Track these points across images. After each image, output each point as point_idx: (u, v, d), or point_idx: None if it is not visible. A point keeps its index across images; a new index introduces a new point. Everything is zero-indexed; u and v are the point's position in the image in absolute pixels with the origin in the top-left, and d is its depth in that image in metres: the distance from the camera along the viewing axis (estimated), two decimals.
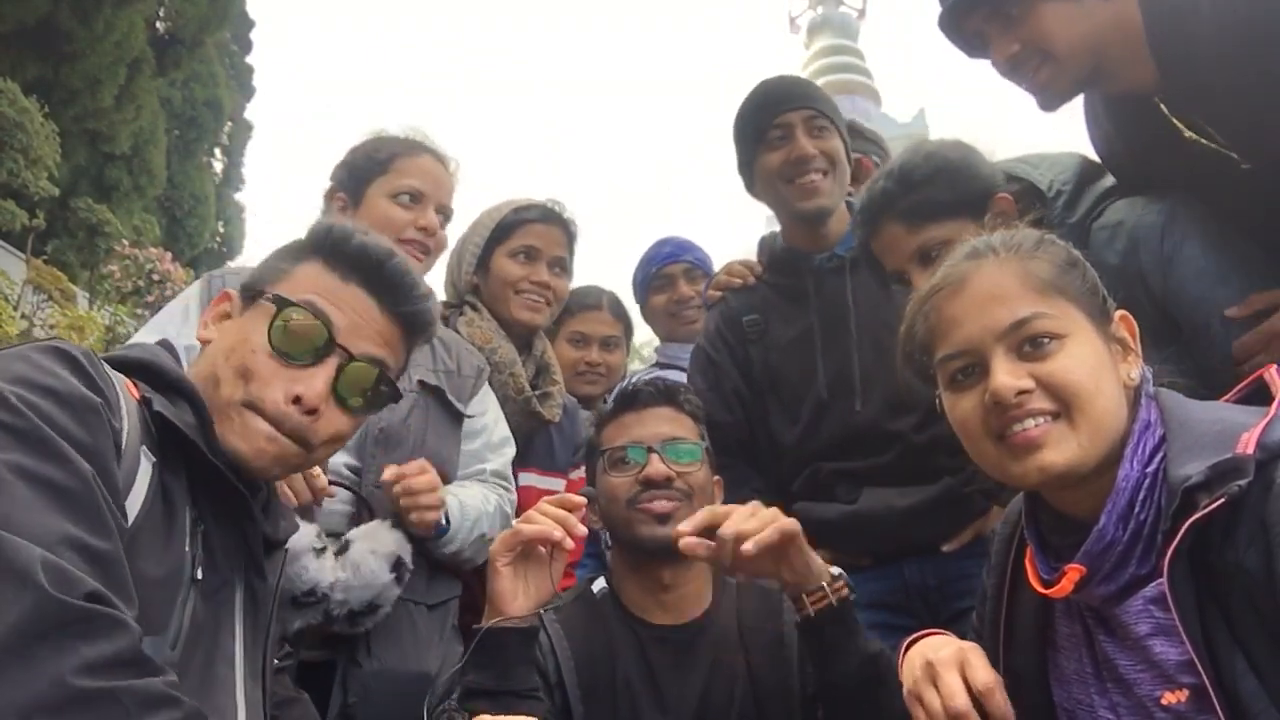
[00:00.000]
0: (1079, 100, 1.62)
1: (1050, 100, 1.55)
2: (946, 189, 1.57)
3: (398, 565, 1.54)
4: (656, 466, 1.50)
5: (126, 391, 0.95)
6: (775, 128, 1.93)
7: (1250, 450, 0.90)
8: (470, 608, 1.80)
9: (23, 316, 8.86)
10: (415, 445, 1.70)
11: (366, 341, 1.10)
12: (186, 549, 0.98)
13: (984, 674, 1.06)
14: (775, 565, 1.30)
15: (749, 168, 2.04)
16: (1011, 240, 1.12)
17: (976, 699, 1.05)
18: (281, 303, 1.07)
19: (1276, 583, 0.85)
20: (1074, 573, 1.00)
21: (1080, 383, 1.01)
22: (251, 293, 1.12)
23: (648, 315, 2.80)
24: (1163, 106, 1.43)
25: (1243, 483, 0.88)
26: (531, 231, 2.13)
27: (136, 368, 1.02)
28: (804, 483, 1.86)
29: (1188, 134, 1.41)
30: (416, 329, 1.18)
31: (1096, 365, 1.03)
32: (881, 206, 1.63)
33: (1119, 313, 1.11)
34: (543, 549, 1.31)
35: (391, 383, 1.15)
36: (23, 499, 0.76)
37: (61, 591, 0.72)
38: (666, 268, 2.65)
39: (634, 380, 1.98)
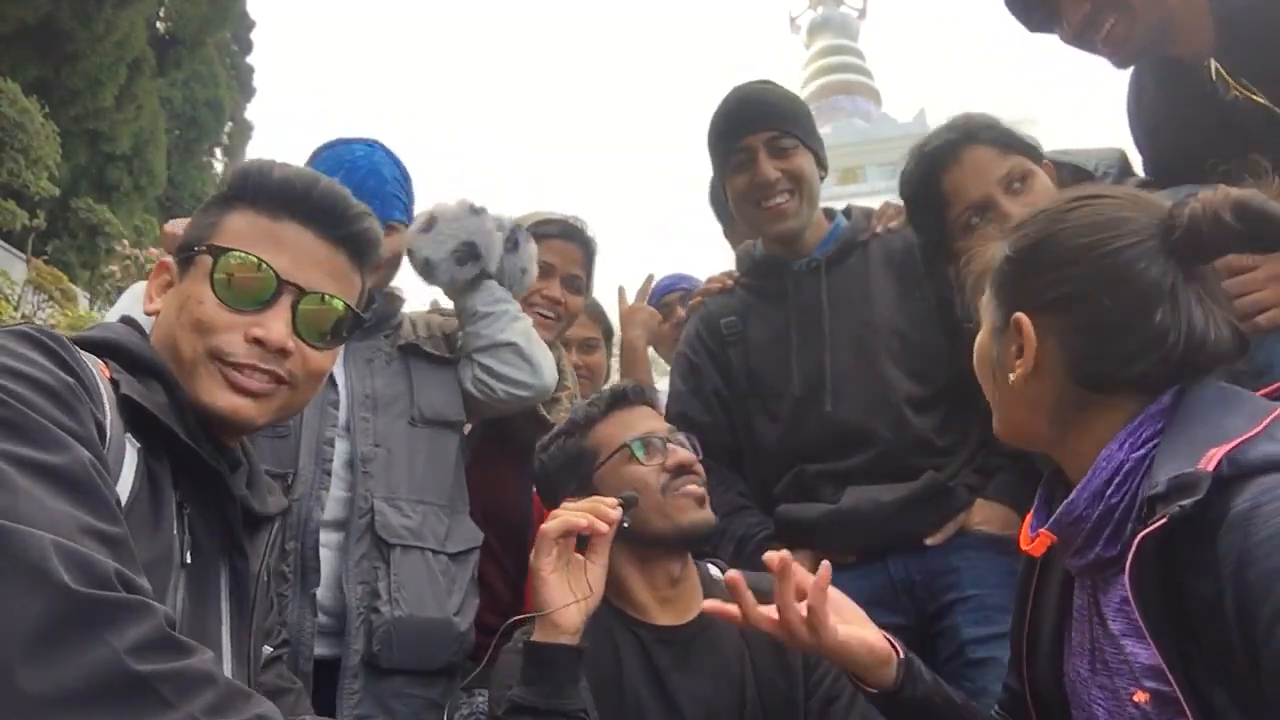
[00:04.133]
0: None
1: (1124, 56, 1.58)
2: (1012, 135, 1.62)
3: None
4: (685, 453, 1.52)
5: (101, 375, 0.93)
6: (737, 152, 1.89)
7: (1211, 467, 0.82)
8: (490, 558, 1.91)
9: (23, 317, 8.88)
10: (405, 401, 1.78)
11: (313, 273, 1.08)
12: (174, 533, 0.96)
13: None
14: None
15: (722, 188, 2.03)
16: None
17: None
18: (217, 252, 1.05)
19: (1227, 618, 0.78)
20: (1045, 537, 1.00)
21: None
22: (186, 253, 1.08)
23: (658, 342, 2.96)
24: (1212, 62, 1.47)
25: (1186, 503, 0.80)
26: (550, 248, 2.13)
27: (105, 349, 0.99)
28: (787, 485, 1.86)
29: (1233, 92, 1.45)
30: (361, 251, 1.15)
31: None
32: (964, 137, 1.62)
33: None
34: (578, 554, 1.30)
35: (352, 309, 1.13)
36: (25, 489, 0.73)
37: (82, 582, 0.69)
38: (665, 296, 2.82)
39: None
